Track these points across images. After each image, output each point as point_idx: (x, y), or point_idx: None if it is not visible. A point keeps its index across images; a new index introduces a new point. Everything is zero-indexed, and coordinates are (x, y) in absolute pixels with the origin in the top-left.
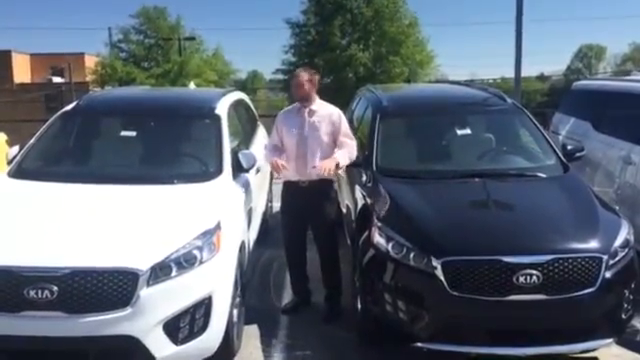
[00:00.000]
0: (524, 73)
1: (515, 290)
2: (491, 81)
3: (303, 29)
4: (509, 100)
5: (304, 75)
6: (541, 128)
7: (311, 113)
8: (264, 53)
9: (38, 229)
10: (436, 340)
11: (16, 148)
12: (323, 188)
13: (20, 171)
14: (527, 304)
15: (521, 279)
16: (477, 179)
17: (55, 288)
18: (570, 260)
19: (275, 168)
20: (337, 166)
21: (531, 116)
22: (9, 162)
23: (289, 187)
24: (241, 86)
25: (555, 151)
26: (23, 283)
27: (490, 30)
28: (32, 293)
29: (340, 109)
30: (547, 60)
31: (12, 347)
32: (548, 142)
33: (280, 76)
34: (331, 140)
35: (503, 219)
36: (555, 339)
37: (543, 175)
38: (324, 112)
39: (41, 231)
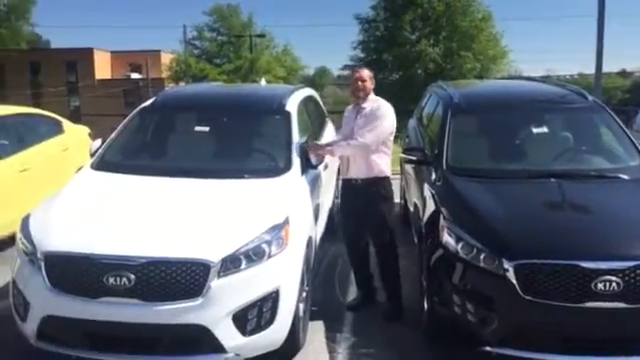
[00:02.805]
0: (604, 69)
1: (592, 297)
2: (568, 77)
3: (372, 25)
4: (590, 97)
5: (364, 72)
6: (624, 127)
7: (360, 111)
8: (332, 49)
9: (118, 219)
10: (506, 345)
11: (98, 141)
12: (376, 187)
13: (102, 163)
14: (605, 312)
15: (600, 286)
16: (553, 179)
17: (132, 276)
18: None
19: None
20: (330, 152)
21: (613, 114)
22: (92, 154)
23: (345, 185)
24: (309, 82)
25: (639, 151)
26: (103, 270)
27: (567, 24)
28: (111, 280)
29: (408, 106)
30: (629, 56)
31: (92, 331)
32: (631, 142)
33: (348, 72)
34: None
35: (581, 222)
36: (633, 349)
37: (625, 177)
38: (369, 110)
39: (120, 221)
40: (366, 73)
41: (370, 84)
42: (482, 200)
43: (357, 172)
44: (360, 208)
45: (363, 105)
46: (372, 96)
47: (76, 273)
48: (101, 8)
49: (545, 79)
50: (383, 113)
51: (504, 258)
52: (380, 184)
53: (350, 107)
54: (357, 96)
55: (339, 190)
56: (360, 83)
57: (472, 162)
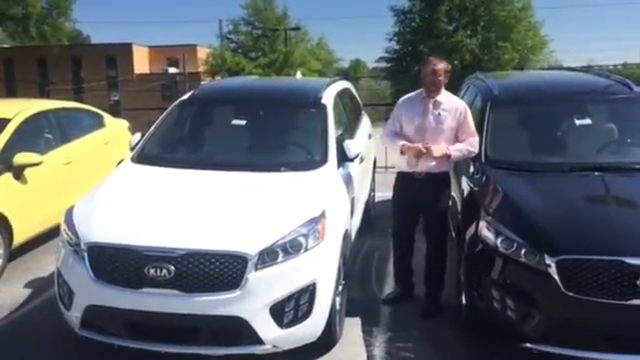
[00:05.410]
0: None
1: (638, 294)
2: (611, 67)
3: (408, 16)
4: (635, 88)
5: (442, 64)
6: None
7: (436, 104)
8: (367, 41)
9: (158, 212)
10: (547, 342)
11: (137, 135)
12: (440, 181)
13: (142, 157)
14: None
15: None
16: (597, 173)
17: (172, 268)
18: None
19: (416, 153)
20: (447, 157)
21: None
22: (132, 148)
23: (403, 178)
24: (344, 75)
25: None
26: (144, 261)
27: (610, 12)
28: (152, 271)
29: None
30: None
31: (133, 320)
32: None
33: (383, 64)
34: (452, 135)
35: (626, 217)
36: None
37: None
38: (450, 105)
39: (161, 214)
40: (443, 66)
41: (444, 79)
42: (522, 194)
43: (426, 166)
44: (420, 202)
45: (438, 98)
46: (444, 90)
47: (118, 264)
48: (140, 3)
49: (587, 69)
50: (469, 112)
51: (546, 253)
52: (443, 178)
53: (420, 96)
54: (431, 89)
55: (395, 182)
56: (435, 77)
57: (512, 155)
